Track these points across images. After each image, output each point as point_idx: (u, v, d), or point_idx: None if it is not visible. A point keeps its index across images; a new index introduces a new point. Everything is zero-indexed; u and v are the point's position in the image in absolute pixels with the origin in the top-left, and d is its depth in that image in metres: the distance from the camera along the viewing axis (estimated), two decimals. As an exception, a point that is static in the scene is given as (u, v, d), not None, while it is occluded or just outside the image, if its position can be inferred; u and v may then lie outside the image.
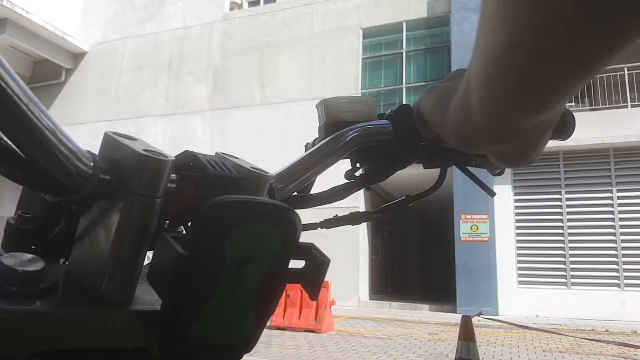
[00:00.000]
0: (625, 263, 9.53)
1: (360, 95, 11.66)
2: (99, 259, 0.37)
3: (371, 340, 6.57)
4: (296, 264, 0.41)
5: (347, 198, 0.64)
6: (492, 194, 0.69)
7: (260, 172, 0.44)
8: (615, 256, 9.62)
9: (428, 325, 8.44)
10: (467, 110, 0.36)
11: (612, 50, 0.24)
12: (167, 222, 0.46)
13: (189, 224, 0.44)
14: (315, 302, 6.99)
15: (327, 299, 7.21)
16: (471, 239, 10.25)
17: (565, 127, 0.62)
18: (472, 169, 0.65)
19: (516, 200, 10.36)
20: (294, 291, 7.28)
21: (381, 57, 12.36)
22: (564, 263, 9.90)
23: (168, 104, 13.85)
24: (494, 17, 0.27)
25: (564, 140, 0.56)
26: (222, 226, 0.36)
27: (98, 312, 0.37)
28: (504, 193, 10.24)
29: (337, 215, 0.63)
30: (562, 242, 9.98)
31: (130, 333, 0.38)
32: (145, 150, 0.36)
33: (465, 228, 10.31)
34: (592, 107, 10.83)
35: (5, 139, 0.34)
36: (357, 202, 10.19)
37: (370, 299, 11.53)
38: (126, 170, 0.36)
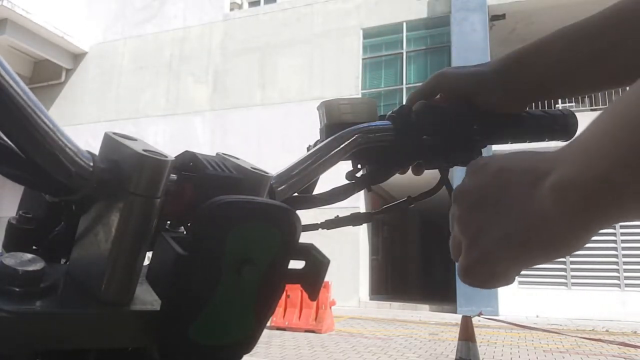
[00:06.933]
0: (625, 263, 9.52)
1: (360, 95, 11.67)
2: (99, 258, 0.37)
3: (371, 340, 6.56)
4: (296, 264, 0.41)
5: (348, 198, 0.64)
6: None
7: (260, 172, 0.44)
8: (615, 256, 9.62)
9: (428, 325, 8.44)
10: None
11: None
12: (167, 222, 0.46)
13: (189, 224, 0.44)
14: (315, 302, 6.98)
15: (327, 299, 7.21)
16: (471, 239, 10.24)
17: (567, 128, 0.62)
18: None
19: (516, 201, 10.35)
20: (294, 291, 7.27)
21: (381, 57, 12.36)
22: (563, 263, 9.89)
23: (168, 104, 13.85)
24: None
25: (567, 140, 0.56)
26: (222, 226, 0.36)
27: (97, 311, 0.37)
28: (504, 193, 10.24)
29: (337, 216, 0.63)
30: (562, 242, 9.97)
31: (129, 333, 0.38)
32: (144, 150, 0.36)
33: (465, 228, 10.31)
34: (592, 107, 10.83)
35: (5, 139, 0.34)
36: (358, 202, 10.18)
37: (370, 299, 11.53)
38: (126, 170, 0.36)
